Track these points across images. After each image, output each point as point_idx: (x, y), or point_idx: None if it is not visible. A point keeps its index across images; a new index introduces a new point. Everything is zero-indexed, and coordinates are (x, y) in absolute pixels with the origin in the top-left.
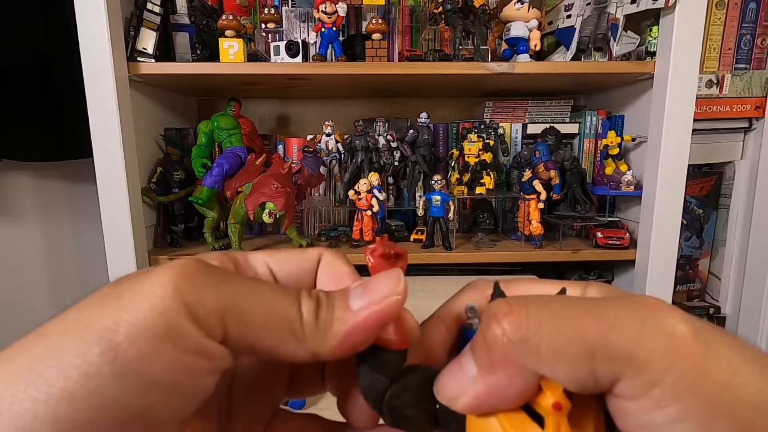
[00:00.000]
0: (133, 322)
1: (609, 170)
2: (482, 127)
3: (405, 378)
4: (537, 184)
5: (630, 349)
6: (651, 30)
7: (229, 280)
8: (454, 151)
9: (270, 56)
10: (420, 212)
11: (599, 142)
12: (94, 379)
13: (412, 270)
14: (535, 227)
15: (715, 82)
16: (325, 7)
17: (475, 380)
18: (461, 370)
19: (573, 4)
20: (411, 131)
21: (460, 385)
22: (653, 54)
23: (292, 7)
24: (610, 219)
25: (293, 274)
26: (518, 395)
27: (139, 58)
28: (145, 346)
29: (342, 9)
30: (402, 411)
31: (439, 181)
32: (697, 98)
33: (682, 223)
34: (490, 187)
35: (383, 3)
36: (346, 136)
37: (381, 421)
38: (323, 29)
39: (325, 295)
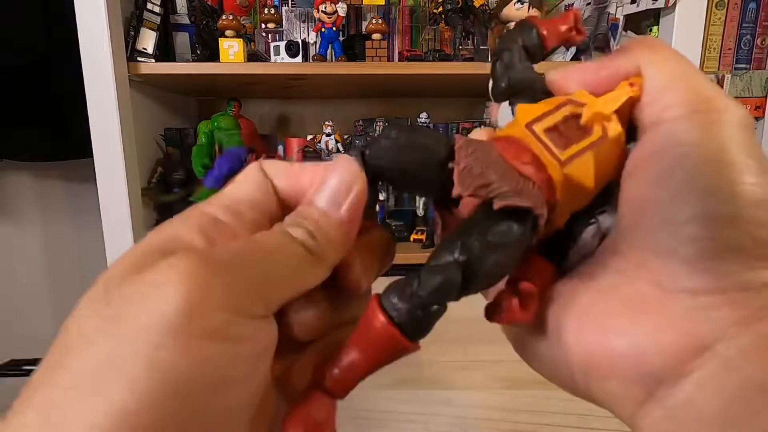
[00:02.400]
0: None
1: None
2: (482, 127)
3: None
4: None
5: (698, 88)
6: (651, 30)
7: (238, 263)
8: None
9: (270, 56)
10: (420, 212)
11: None
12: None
13: (412, 270)
14: None
15: (715, 82)
16: (325, 7)
17: (581, 70)
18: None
19: (573, 4)
20: None
21: (573, 71)
22: None
23: (292, 7)
24: None
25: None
26: (614, 72)
27: (139, 58)
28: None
29: (342, 9)
30: (515, 71)
31: None
32: None
33: None
34: None
35: (383, 3)
36: (346, 136)
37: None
38: (323, 29)
39: (303, 218)
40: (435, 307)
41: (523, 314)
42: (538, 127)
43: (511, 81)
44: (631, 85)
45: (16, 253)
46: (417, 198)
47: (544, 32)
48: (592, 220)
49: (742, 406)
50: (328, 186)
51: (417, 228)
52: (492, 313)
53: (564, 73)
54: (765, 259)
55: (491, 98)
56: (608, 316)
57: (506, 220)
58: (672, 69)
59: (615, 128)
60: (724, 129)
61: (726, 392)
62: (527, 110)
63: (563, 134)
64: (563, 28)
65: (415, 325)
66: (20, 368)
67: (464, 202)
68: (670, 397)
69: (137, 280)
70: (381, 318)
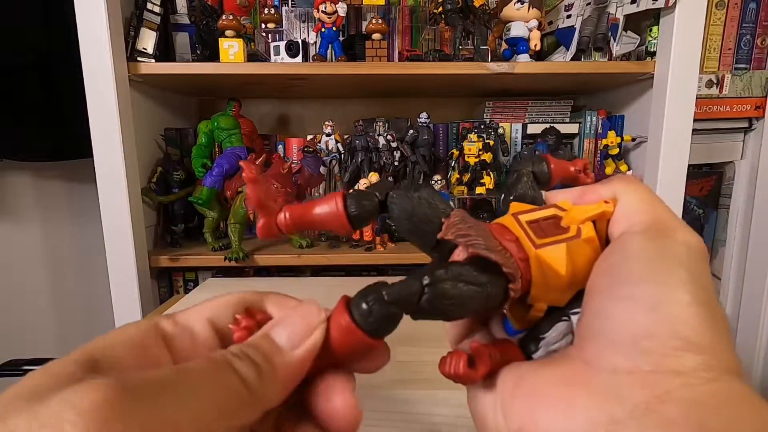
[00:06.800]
0: None
1: (609, 170)
2: (482, 127)
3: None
4: None
5: (658, 214)
6: (651, 30)
7: (155, 397)
8: (454, 151)
9: (270, 56)
10: None
11: (599, 142)
12: None
13: (413, 270)
14: None
15: (715, 82)
16: (325, 7)
17: (570, 191)
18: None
19: (573, 4)
20: (411, 131)
21: (563, 191)
22: (653, 54)
23: (292, 7)
24: None
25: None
26: (596, 197)
27: (139, 58)
28: None
29: (342, 9)
30: (521, 186)
31: (439, 181)
32: (697, 98)
33: None
34: (490, 187)
35: (383, 3)
36: (346, 136)
37: None
38: (323, 29)
39: (254, 350)
40: (393, 309)
41: (467, 371)
42: (523, 218)
43: (515, 195)
44: (606, 202)
45: (16, 253)
46: None
47: (553, 167)
48: (564, 318)
49: None
50: (290, 323)
51: None
52: (442, 364)
53: (556, 193)
54: (678, 349)
55: (501, 206)
56: (539, 389)
57: (478, 270)
58: (641, 198)
59: (588, 232)
60: (667, 243)
61: None
62: (517, 206)
63: (543, 228)
64: (571, 168)
65: (373, 322)
66: (20, 368)
67: (454, 256)
68: None
69: (30, 414)
70: (346, 317)
